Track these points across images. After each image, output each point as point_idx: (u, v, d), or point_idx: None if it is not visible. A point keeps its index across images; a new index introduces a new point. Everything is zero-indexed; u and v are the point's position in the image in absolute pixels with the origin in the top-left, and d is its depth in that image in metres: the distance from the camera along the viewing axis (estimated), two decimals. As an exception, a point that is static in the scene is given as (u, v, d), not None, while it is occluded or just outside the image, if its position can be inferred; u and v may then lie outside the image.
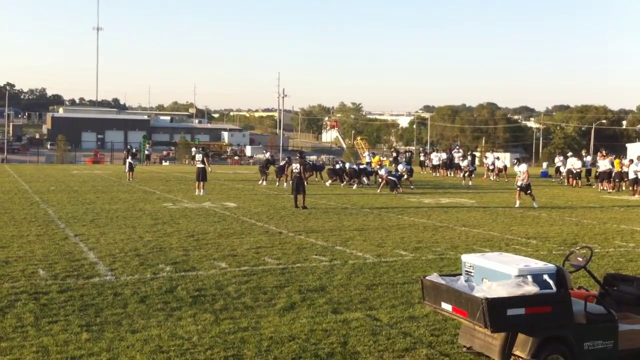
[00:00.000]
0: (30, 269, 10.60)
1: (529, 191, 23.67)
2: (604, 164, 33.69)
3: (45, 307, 8.34)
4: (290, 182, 22.79)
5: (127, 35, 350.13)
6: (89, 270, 10.62)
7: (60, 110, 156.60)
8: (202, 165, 26.84)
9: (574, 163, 37.45)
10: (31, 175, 38.61)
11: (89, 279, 9.98)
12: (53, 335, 7.19)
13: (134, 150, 41.52)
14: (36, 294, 9.01)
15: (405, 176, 31.95)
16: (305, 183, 22.04)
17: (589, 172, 38.41)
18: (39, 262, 11.21)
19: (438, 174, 44.92)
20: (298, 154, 25.75)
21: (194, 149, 42.52)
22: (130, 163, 36.25)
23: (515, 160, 30.08)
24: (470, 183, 36.38)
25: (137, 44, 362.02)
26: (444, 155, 46.01)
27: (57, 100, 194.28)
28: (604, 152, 38.28)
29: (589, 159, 38.75)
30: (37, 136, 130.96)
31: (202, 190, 26.30)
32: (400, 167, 32.93)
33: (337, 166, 35.44)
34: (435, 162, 46.18)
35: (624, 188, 33.67)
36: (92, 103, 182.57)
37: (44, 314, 8.03)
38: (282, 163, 34.83)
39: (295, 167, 22.42)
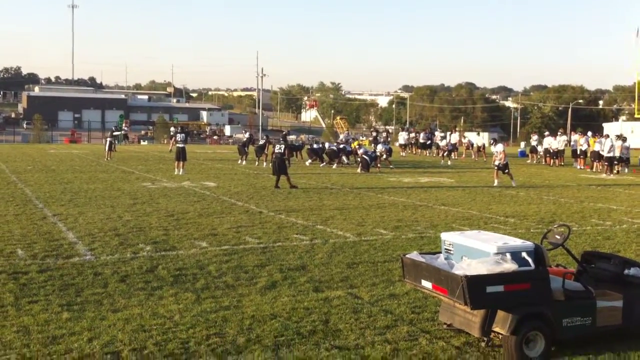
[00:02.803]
0: (8, 249, 10.52)
1: (506, 170, 23.88)
2: (598, 144, 33.47)
3: (25, 287, 8.29)
4: (271, 163, 22.64)
5: (103, 12, 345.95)
6: (68, 250, 10.56)
7: (36, 89, 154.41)
8: (182, 145, 26.70)
9: (550, 142, 37.71)
10: (7, 154, 38.18)
11: (68, 259, 9.92)
12: (33, 315, 7.15)
13: (113, 128, 41.23)
14: (15, 273, 8.94)
15: (385, 156, 32.03)
16: (288, 165, 21.87)
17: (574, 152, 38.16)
18: (17, 242, 11.12)
19: (406, 153, 45.49)
20: (281, 137, 25.62)
21: (172, 129, 42.26)
22: (110, 142, 36.08)
23: (492, 141, 30.27)
24: (449, 162, 36.61)
25: (114, 21, 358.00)
26: (421, 135, 46.92)
27: (33, 79, 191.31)
28: (581, 131, 38.54)
29: (575, 137, 38.66)
30: (13, 115, 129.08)
31: (181, 170, 26.18)
32: (380, 147, 32.98)
33: (316, 146, 35.46)
34: (401, 141, 46.86)
35: (599, 168, 34.00)
36: (68, 82, 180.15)
37: (23, 294, 7.98)
38: (261, 142, 34.72)
39: (279, 147, 22.28)
